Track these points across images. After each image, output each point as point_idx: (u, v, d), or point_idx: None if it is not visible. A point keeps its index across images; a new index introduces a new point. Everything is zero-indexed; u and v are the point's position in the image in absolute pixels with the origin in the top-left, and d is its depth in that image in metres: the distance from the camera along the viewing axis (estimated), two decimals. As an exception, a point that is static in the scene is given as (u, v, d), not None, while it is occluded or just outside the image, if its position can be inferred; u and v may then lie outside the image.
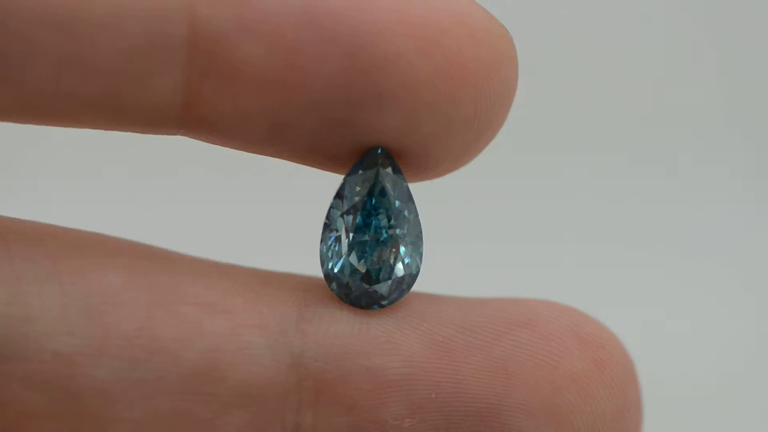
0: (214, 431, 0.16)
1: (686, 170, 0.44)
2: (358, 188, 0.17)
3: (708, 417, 0.36)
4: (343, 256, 0.17)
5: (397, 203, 0.17)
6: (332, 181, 0.18)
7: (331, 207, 0.17)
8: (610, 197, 0.43)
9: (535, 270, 0.39)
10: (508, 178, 0.42)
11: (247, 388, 0.16)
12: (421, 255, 0.17)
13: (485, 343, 0.17)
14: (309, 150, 0.17)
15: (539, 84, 0.41)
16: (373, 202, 0.17)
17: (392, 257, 0.17)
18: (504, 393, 0.16)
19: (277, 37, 0.16)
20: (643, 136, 0.44)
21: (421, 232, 0.17)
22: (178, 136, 0.17)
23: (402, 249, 0.17)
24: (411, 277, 0.17)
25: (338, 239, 0.17)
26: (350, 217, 0.17)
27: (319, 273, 0.17)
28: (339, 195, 0.17)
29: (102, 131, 0.17)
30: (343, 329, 0.17)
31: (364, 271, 0.17)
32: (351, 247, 0.17)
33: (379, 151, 0.17)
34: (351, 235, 0.17)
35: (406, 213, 0.17)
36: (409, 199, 0.17)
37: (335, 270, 0.17)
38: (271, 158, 0.18)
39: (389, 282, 0.17)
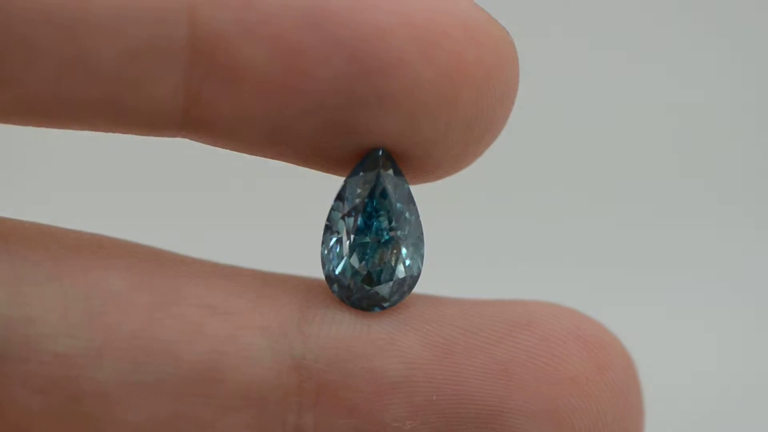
0: None
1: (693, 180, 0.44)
2: (359, 190, 0.17)
3: (708, 418, 0.36)
4: (344, 258, 0.17)
5: (398, 205, 0.17)
6: (333, 182, 0.18)
7: (332, 209, 0.17)
8: (612, 198, 0.43)
9: (535, 271, 0.39)
10: (510, 179, 0.42)
11: (248, 390, 0.16)
12: (422, 256, 0.17)
13: (486, 345, 0.17)
14: (310, 152, 0.17)
15: (544, 86, 0.41)
16: (374, 203, 0.17)
17: (393, 259, 0.17)
18: (505, 395, 0.16)
19: (278, 40, 0.16)
20: (647, 139, 0.44)
21: (422, 233, 0.17)
22: (179, 139, 0.17)
23: (403, 250, 0.17)
24: (412, 278, 0.17)
25: (339, 241, 0.17)
26: (351, 219, 0.17)
27: (320, 275, 0.17)
28: (340, 197, 0.17)
29: (102, 134, 0.17)
30: (344, 331, 0.17)
31: (365, 272, 0.17)
32: (352, 248, 0.17)
33: (381, 152, 0.17)
34: (352, 236, 0.17)
35: (407, 214, 0.17)
36: (410, 200, 0.17)
37: (336, 272, 0.17)
38: (272, 160, 0.18)
39: (390, 284, 0.17)
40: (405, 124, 0.16)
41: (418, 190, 0.18)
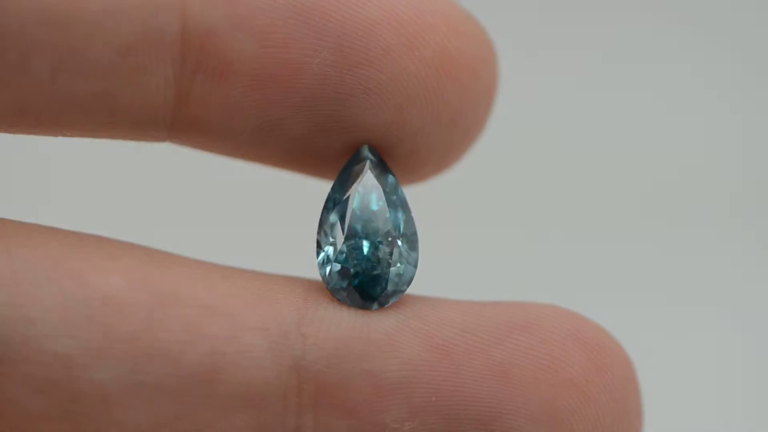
0: None
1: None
2: (349, 189, 0.17)
3: (708, 420, 0.36)
4: (340, 258, 0.17)
5: (389, 203, 0.17)
6: (330, 183, 0.18)
7: (324, 209, 0.18)
8: (611, 196, 0.43)
9: (535, 272, 0.39)
10: (506, 178, 0.42)
11: (248, 391, 0.16)
12: (417, 252, 0.18)
13: (485, 347, 0.17)
14: (298, 151, 0.17)
15: (540, 83, 0.41)
16: (365, 202, 0.17)
17: (388, 256, 0.17)
18: (504, 396, 0.16)
19: (267, 33, 0.16)
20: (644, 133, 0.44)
21: (415, 229, 0.18)
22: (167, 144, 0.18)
23: (397, 247, 0.17)
24: (408, 275, 0.17)
25: (333, 242, 0.17)
26: (344, 218, 0.17)
27: (319, 275, 0.17)
28: (331, 196, 0.17)
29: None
30: (343, 332, 0.17)
31: (361, 272, 0.17)
32: (346, 249, 0.17)
33: (368, 150, 0.17)
34: (345, 235, 0.17)
35: (399, 212, 0.17)
36: (401, 197, 0.17)
37: (332, 272, 0.17)
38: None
39: (387, 281, 0.17)
40: (392, 117, 0.17)
41: (413, 191, 0.18)
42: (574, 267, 0.41)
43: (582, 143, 0.44)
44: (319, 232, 0.17)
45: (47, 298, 0.16)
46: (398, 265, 0.17)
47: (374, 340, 0.17)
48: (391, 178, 0.17)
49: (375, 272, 0.17)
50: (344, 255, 0.17)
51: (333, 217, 0.17)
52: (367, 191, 0.17)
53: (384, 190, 0.17)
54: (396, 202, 0.17)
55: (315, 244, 0.18)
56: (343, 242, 0.17)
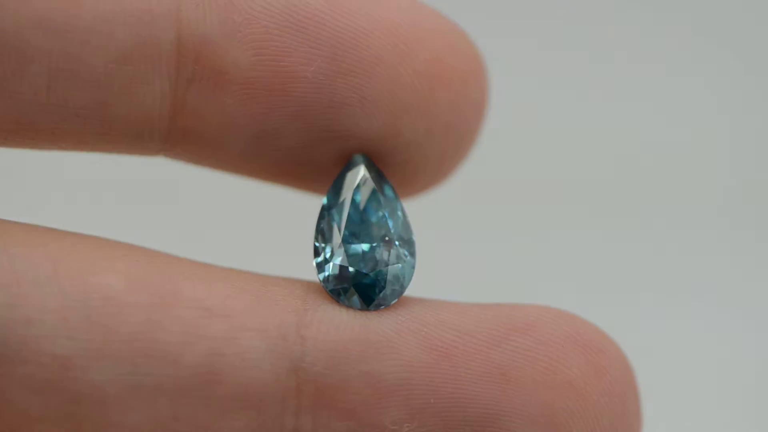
0: None
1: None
2: (345, 191, 0.17)
3: (707, 421, 0.36)
4: (337, 260, 0.17)
5: (385, 203, 0.17)
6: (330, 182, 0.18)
7: (322, 211, 0.18)
8: (608, 197, 0.43)
9: (533, 274, 0.39)
10: (504, 178, 0.42)
11: (247, 393, 0.16)
12: (414, 253, 0.18)
13: (484, 349, 0.17)
14: (292, 162, 0.17)
15: (536, 86, 0.42)
16: (362, 206, 0.17)
17: (385, 258, 0.17)
18: (503, 399, 0.16)
19: (262, 41, 0.16)
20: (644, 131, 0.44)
21: (411, 230, 0.18)
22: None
23: (394, 249, 0.17)
24: (406, 277, 0.17)
25: (330, 244, 0.17)
26: (341, 221, 0.17)
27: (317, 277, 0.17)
28: (327, 202, 0.18)
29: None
30: (342, 334, 0.17)
31: (359, 274, 0.17)
32: (344, 252, 0.17)
33: (362, 157, 0.17)
34: (342, 240, 0.17)
35: (395, 215, 0.17)
36: (396, 200, 0.18)
37: (330, 274, 0.17)
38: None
39: (384, 283, 0.17)
40: (386, 126, 0.17)
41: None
42: (572, 269, 0.41)
43: (579, 145, 0.44)
44: (316, 236, 0.17)
45: (46, 298, 0.16)
46: (396, 266, 0.17)
47: (373, 341, 0.17)
48: (386, 183, 0.17)
49: (372, 274, 0.17)
50: (341, 258, 0.17)
51: (329, 221, 0.17)
52: (363, 194, 0.17)
53: (379, 193, 0.17)
54: (392, 205, 0.17)
55: (313, 247, 0.18)
56: (340, 245, 0.17)
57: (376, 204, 0.17)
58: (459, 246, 0.39)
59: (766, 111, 0.44)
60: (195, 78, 0.16)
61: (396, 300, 0.17)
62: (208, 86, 0.16)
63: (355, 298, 0.17)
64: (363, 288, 0.17)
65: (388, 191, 0.17)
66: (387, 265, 0.17)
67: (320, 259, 0.17)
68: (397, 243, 0.17)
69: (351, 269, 0.17)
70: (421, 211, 0.18)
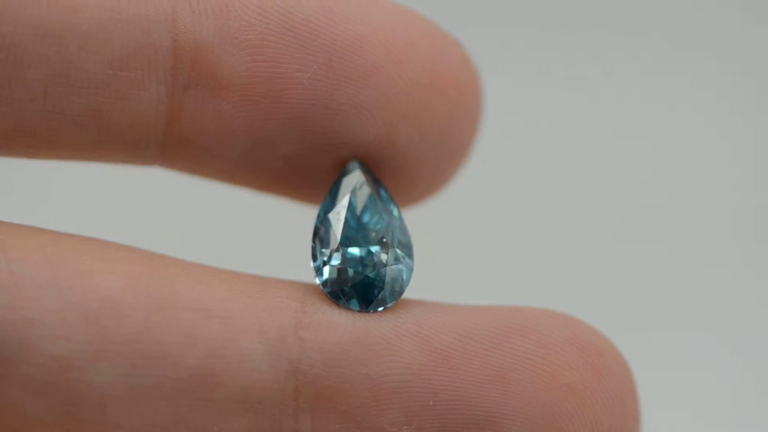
0: None
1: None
2: (341, 198, 0.17)
3: (707, 423, 0.36)
4: (335, 263, 0.17)
5: (382, 206, 0.17)
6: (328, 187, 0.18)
7: (319, 215, 0.18)
8: (608, 202, 0.43)
9: (533, 277, 0.39)
10: (503, 182, 0.42)
11: (245, 394, 0.16)
12: (412, 256, 0.18)
13: (483, 351, 0.17)
14: (288, 170, 0.17)
15: (536, 94, 0.42)
16: (359, 210, 0.17)
17: (383, 260, 0.17)
18: (502, 401, 0.16)
19: (258, 47, 0.16)
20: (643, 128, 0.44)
21: (409, 234, 0.18)
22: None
23: (392, 251, 0.17)
24: (404, 278, 0.17)
25: (328, 247, 0.17)
26: (339, 225, 0.17)
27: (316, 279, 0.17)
28: (325, 203, 0.18)
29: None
30: (341, 336, 0.17)
31: (357, 275, 0.17)
32: (342, 255, 0.17)
33: (357, 163, 0.17)
34: (340, 243, 0.17)
35: (392, 215, 0.17)
36: (392, 204, 0.18)
37: (329, 277, 0.17)
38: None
39: (382, 284, 0.17)
40: (381, 133, 0.17)
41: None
42: (572, 271, 0.41)
43: (580, 146, 0.44)
44: (313, 240, 0.18)
45: (45, 300, 0.16)
46: (394, 268, 0.17)
47: (372, 344, 0.17)
48: (382, 187, 0.17)
49: (370, 276, 0.17)
50: (339, 260, 0.17)
51: (327, 224, 0.17)
52: (360, 198, 0.17)
53: (376, 197, 0.17)
54: (388, 208, 0.17)
55: (311, 250, 0.18)
56: (338, 248, 0.17)
57: (373, 207, 0.17)
58: (458, 248, 0.39)
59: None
60: (191, 84, 0.16)
61: (394, 302, 0.17)
62: (204, 92, 0.16)
63: (354, 301, 0.17)
64: (361, 290, 0.17)
65: (385, 194, 0.18)
66: (385, 267, 0.17)
67: (318, 262, 0.17)
68: (394, 245, 0.17)
69: (349, 271, 0.17)
70: (420, 213, 0.18)
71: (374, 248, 0.17)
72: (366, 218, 0.17)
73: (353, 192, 0.17)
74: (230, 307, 0.16)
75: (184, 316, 0.16)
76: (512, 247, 0.41)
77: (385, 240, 0.17)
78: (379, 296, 0.17)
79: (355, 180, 0.17)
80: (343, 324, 0.17)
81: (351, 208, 0.17)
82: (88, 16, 0.16)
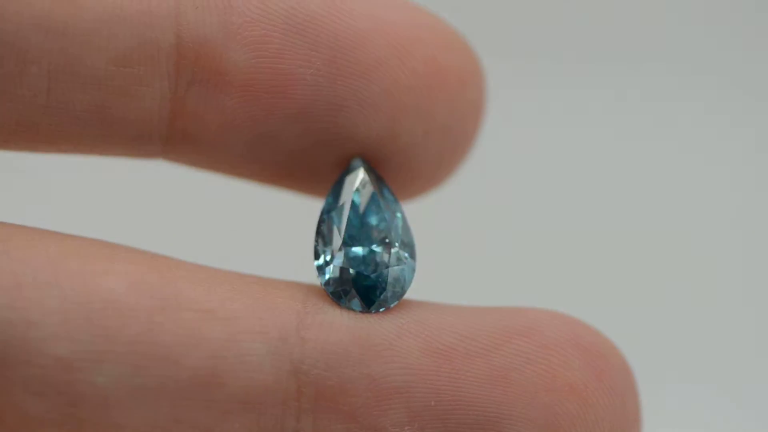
0: None
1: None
2: (344, 197, 0.17)
3: (707, 424, 0.36)
4: (338, 263, 0.17)
5: (384, 206, 0.17)
6: (323, 200, 0.18)
7: (322, 215, 0.18)
8: (611, 200, 0.43)
9: (534, 277, 0.39)
10: (505, 182, 0.42)
11: (247, 395, 0.16)
12: (414, 256, 0.18)
13: (485, 352, 0.17)
14: (291, 164, 0.17)
15: (537, 95, 0.42)
16: (361, 209, 0.17)
17: (385, 260, 0.17)
18: (504, 401, 0.16)
19: (261, 43, 0.16)
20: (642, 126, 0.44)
21: (411, 233, 0.18)
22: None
23: (394, 251, 0.17)
24: (406, 279, 0.17)
25: (331, 247, 0.17)
26: (341, 224, 0.17)
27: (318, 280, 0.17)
28: (327, 203, 0.18)
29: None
30: (342, 336, 0.17)
31: (359, 276, 0.17)
32: (344, 255, 0.17)
33: (360, 160, 0.17)
34: (343, 243, 0.17)
35: (395, 215, 0.17)
36: (396, 203, 0.18)
37: (331, 277, 0.17)
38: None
39: (385, 285, 0.17)
40: (385, 128, 0.17)
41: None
42: (573, 272, 0.41)
43: (582, 146, 0.44)
44: (316, 239, 0.18)
45: (47, 301, 0.16)
46: (396, 268, 0.17)
47: (374, 344, 0.17)
48: (385, 186, 0.17)
49: (373, 276, 0.17)
50: (342, 260, 0.17)
51: (329, 224, 0.17)
52: (363, 197, 0.17)
53: (379, 196, 0.17)
54: (391, 207, 0.17)
55: (313, 250, 0.18)
56: (341, 248, 0.17)
57: (376, 207, 0.17)
58: (460, 249, 0.39)
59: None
60: (194, 80, 0.16)
61: (397, 302, 0.17)
62: (207, 88, 0.16)
63: (356, 301, 0.17)
64: (364, 290, 0.17)
65: (388, 194, 0.18)
66: (387, 267, 0.17)
67: (320, 261, 0.17)
68: (397, 245, 0.17)
69: (351, 271, 0.17)
70: (422, 214, 0.18)
71: (377, 248, 0.17)
72: (369, 218, 0.17)
73: (356, 191, 0.17)
74: (232, 308, 0.16)
75: (187, 317, 0.16)
76: (514, 248, 0.41)
77: (387, 240, 0.17)
78: (381, 297, 0.17)
79: (357, 179, 0.17)
80: (345, 324, 0.17)
81: (354, 207, 0.17)
82: (91, 12, 0.16)
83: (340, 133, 0.17)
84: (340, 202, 0.17)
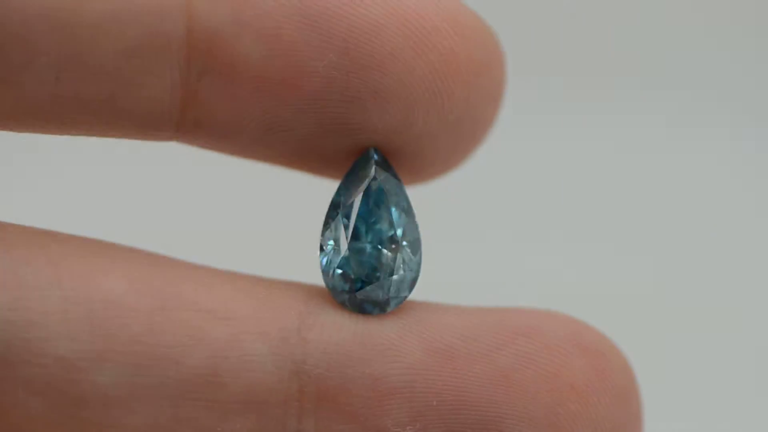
0: None
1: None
2: (353, 193, 0.17)
3: (708, 425, 0.36)
4: (343, 263, 0.17)
5: (393, 207, 0.17)
6: (333, 186, 0.18)
7: (329, 212, 0.18)
8: (614, 199, 0.43)
9: (536, 278, 0.39)
10: (509, 183, 0.42)
11: (249, 395, 0.16)
12: (420, 256, 0.18)
13: (487, 352, 0.17)
14: (303, 152, 0.17)
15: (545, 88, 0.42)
16: (370, 206, 0.17)
17: (391, 261, 0.17)
18: (505, 401, 0.16)
19: (273, 35, 0.16)
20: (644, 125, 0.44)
21: (419, 235, 0.18)
22: (177, 144, 0.18)
23: (400, 252, 0.17)
24: (410, 280, 0.17)
25: (337, 245, 0.17)
26: (348, 222, 0.17)
27: (320, 280, 0.17)
28: (335, 201, 0.17)
29: (103, 140, 0.17)
30: (344, 336, 0.17)
31: (363, 276, 0.17)
32: (350, 252, 0.17)
33: (374, 154, 0.17)
34: (349, 240, 0.17)
35: (403, 217, 0.17)
36: (406, 202, 0.17)
37: (335, 276, 0.17)
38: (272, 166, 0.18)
39: (389, 285, 0.17)
40: (398, 119, 0.17)
41: (418, 193, 0.18)
42: (575, 273, 0.41)
43: (584, 146, 0.44)
44: (322, 235, 0.17)
45: (49, 301, 0.16)
46: (401, 269, 0.17)
47: (376, 344, 0.17)
48: (396, 183, 0.17)
49: (377, 277, 0.17)
50: (347, 259, 0.17)
51: (337, 221, 0.17)
52: (372, 196, 0.17)
53: (389, 195, 0.17)
54: (400, 207, 0.17)
55: (317, 248, 0.18)
56: (347, 246, 0.17)
57: (385, 206, 0.17)
58: (462, 249, 0.39)
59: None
60: (205, 71, 0.16)
61: (400, 303, 0.17)
62: (219, 79, 0.16)
63: (359, 301, 0.17)
64: (367, 291, 0.17)
65: (398, 192, 0.17)
66: (392, 269, 0.17)
67: (326, 259, 0.17)
68: (403, 245, 0.17)
69: (355, 272, 0.17)
70: (425, 215, 0.18)
71: (383, 249, 0.17)
72: (376, 217, 0.17)
73: (366, 189, 0.17)
74: (234, 308, 0.16)
75: (188, 317, 0.16)
76: (515, 248, 0.41)
77: (394, 242, 0.17)
78: (385, 297, 0.17)
79: (368, 175, 0.17)
80: (347, 325, 0.17)
81: (362, 206, 0.17)
82: (99, 4, 0.16)
83: (353, 123, 0.17)
84: (349, 200, 0.17)
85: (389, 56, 0.16)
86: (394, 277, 0.17)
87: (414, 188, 0.18)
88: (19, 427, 0.16)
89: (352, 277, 0.17)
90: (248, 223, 0.40)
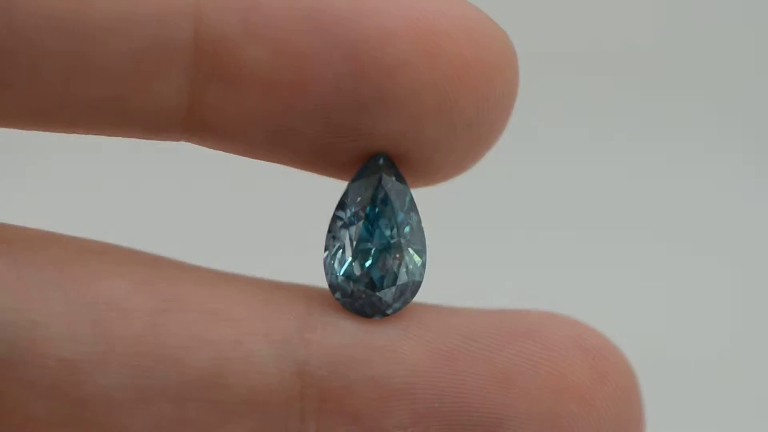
0: None
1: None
2: (360, 196, 0.17)
3: (709, 425, 0.36)
4: (347, 265, 0.17)
5: (400, 211, 0.17)
6: (337, 188, 0.18)
7: (335, 215, 0.18)
8: (617, 200, 0.43)
9: (537, 280, 0.39)
10: (511, 186, 0.42)
11: (251, 396, 0.16)
12: (424, 262, 0.18)
13: (489, 354, 0.17)
14: (312, 156, 0.17)
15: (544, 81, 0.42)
16: (376, 210, 0.17)
17: (396, 265, 0.17)
18: (507, 403, 0.16)
19: (282, 42, 0.16)
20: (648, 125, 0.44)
21: (424, 239, 0.18)
22: (183, 145, 0.18)
23: (406, 256, 0.17)
24: (414, 284, 0.17)
25: (342, 247, 0.17)
26: (354, 226, 0.17)
27: (323, 282, 0.17)
28: (342, 203, 0.17)
29: (106, 139, 0.17)
30: (347, 338, 0.17)
31: (367, 279, 0.17)
32: (354, 255, 0.17)
33: (382, 158, 0.17)
34: (354, 243, 0.17)
35: (409, 220, 0.17)
36: (412, 206, 0.17)
37: (339, 278, 0.17)
38: (276, 167, 0.18)
39: (393, 290, 0.17)
40: (407, 126, 0.16)
41: (420, 197, 0.18)
42: (576, 274, 0.41)
43: (585, 146, 0.44)
44: (328, 236, 0.17)
45: (51, 302, 0.16)
46: (404, 273, 0.17)
47: (378, 346, 0.17)
48: (403, 187, 0.17)
49: (382, 279, 0.17)
50: (351, 261, 0.17)
51: (343, 222, 0.17)
52: (379, 200, 0.17)
53: (395, 200, 0.17)
54: (407, 210, 0.17)
55: (320, 251, 0.18)
56: (352, 248, 0.17)
57: (391, 210, 0.17)
58: (464, 252, 0.39)
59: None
60: (213, 76, 0.16)
61: (404, 306, 0.17)
62: (226, 84, 0.16)
63: (362, 303, 0.17)
64: (371, 294, 0.17)
65: (405, 196, 0.17)
66: (396, 272, 0.17)
67: (330, 262, 0.17)
68: (408, 250, 0.17)
69: (360, 274, 0.17)
70: (428, 217, 0.18)
71: (388, 252, 0.17)
72: (382, 221, 0.17)
73: (373, 193, 0.17)
74: (236, 310, 0.17)
75: (190, 318, 0.16)
76: (516, 249, 0.41)
77: (399, 245, 0.17)
78: (388, 301, 0.17)
79: (376, 179, 0.17)
80: (349, 326, 0.17)
81: (369, 209, 0.17)
82: (106, 9, 0.16)
83: (361, 129, 0.17)
84: (354, 203, 0.17)
85: (399, 64, 0.16)
86: (399, 281, 0.17)
87: (420, 191, 0.18)
88: (21, 428, 0.16)
89: (356, 280, 0.17)
90: (250, 224, 0.40)
